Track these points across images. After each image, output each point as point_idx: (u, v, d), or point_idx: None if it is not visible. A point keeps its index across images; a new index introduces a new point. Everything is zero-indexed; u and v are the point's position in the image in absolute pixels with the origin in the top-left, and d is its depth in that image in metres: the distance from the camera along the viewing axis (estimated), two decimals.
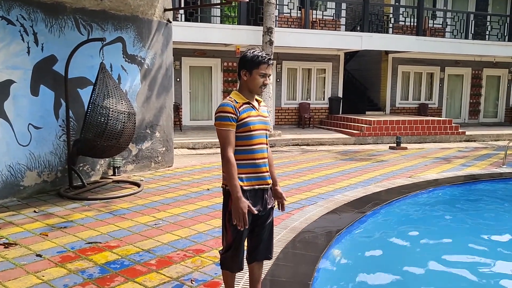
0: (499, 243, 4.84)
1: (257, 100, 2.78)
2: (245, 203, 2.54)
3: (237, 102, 2.64)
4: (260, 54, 2.67)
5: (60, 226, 4.54)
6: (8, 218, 4.82)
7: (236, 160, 2.62)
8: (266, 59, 2.66)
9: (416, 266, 4.07)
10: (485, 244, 4.72)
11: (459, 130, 13.96)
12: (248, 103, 2.69)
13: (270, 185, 2.78)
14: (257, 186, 2.68)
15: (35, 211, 5.08)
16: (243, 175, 2.63)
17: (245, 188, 2.63)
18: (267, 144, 2.78)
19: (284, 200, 2.90)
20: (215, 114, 2.64)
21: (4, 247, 3.93)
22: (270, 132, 2.93)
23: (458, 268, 4.02)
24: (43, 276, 3.36)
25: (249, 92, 2.71)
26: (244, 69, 2.69)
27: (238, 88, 2.77)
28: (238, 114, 2.61)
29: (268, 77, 2.71)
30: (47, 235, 4.26)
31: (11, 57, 5.44)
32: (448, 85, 17.70)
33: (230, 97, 2.69)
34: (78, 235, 4.28)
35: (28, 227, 4.50)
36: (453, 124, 14.04)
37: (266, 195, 2.75)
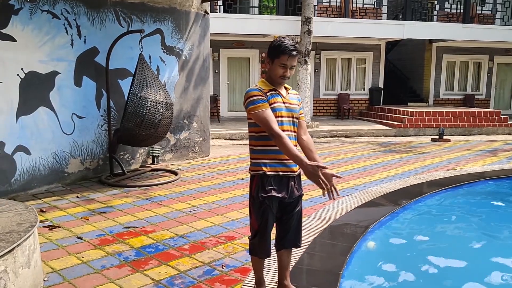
0: None
1: (285, 88, 2.77)
2: (314, 164, 2.39)
3: (263, 89, 2.65)
4: (285, 43, 2.58)
5: (100, 211, 4.74)
6: (53, 202, 5.08)
7: (261, 145, 2.64)
8: (288, 50, 2.56)
9: (452, 261, 3.94)
10: None
11: (508, 122, 13.30)
12: (274, 89, 2.68)
13: (296, 173, 2.74)
14: (281, 173, 2.66)
15: (77, 197, 5.32)
16: (267, 160, 2.63)
17: (268, 173, 2.63)
18: (295, 132, 2.76)
19: (337, 177, 2.51)
20: (245, 102, 2.64)
21: (49, 229, 4.15)
22: (306, 121, 2.85)
23: (496, 263, 3.86)
24: (83, 257, 3.53)
25: (273, 80, 2.69)
26: (268, 57, 2.68)
27: (266, 76, 2.77)
28: (267, 98, 2.60)
29: (291, 68, 2.62)
30: (87, 219, 4.46)
31: (56, 49, 5.68)
32: (498, 74, 16.87)
33: (256, 84, 2.70)
34: (117, 220, 4.45)
35: (70, 211, 4.73)
36: (501, 116, 13.38)
37: (292, 183, 2.72)
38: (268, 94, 2.63)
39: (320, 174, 2.41)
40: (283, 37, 2.69)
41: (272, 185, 2.64)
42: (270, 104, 2.61)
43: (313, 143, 2.84)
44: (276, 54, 2.62)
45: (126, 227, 4.24)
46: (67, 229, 4.17)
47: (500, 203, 5.82)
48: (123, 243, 3.85)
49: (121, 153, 6.70)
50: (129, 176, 6.30)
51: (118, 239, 3.94)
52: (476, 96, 16.52)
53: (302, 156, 2.49)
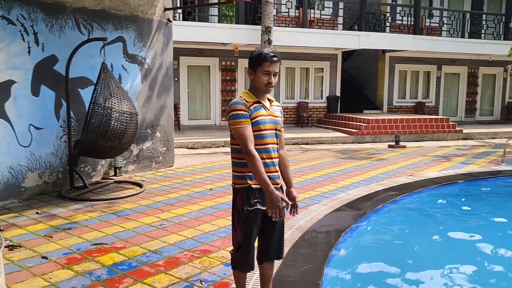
0: (502, 237, 4.86)
1: (269, 100, 2.76)
2: (279, 196, 2.50)
3: (247, 101, 2.62)
4: (264, 51, 2.62)
5: (64, 228, 4.50)
6: (11, 220, 4.77)
7: (245, 159, 2.61)
8: (268, 57, 2.59)
9: (423, 262, 4.08)
10: (489, 241, 4.74)
11: (457, 128, 14.02)
12: (258, 102, 2.67)
13: (280, 185, 2.76)
14: None
15: (37, 213, 5.03)
16: (252, 174, 2.60)
17: (253, 186, 2.61)
18: (278, 144, 2.76)
19: (296, 204, 2.80)
20: (228, 114, 2.62)
21: (9, 249, 3.88)
22: (282, 133, 2.84)
23: (463, 264, 4.03)
24: (51, 278, 3.32)
25: (258, 91, 2.68)
26: (250, 68, 2.68)
27: (249, 87, 2.75)
28: (250, 113, 2.58)
29: (274, 75, 2.64)
30: (51, 237, 4.22)
31: (11, 57, 5.38)
32: (445, 83, 17.76)
33: (240, 96, 2.67)
34: (83, 237, 4.24)
35: (31, 229, 4.46)
36: (450, 122, 14.09)
37: None
38: (251, 107, 2.61)
39: (280, 206, 2.50)
40: (262, 48, 2.71)
41: (257, 198, 2.62)
42: (254, 118, 2.59)
43: (288, 158, 2.88)
44: (257, 62, 2.62)
45: (95, 244, 4.05)
46: (30, 249, 3.92)
47: (459, 206, 6.10)
48: (93, 261, 3.66)
49: (82, 165, 6.41)
50: (91, 189, 6.05)
51: (87, 257, 3.75)
52: (426, 104, 17.29)
53: (270, 183, 2.51)
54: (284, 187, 2.84)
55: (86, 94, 6.26)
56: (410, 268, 3.97)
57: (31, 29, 5.61)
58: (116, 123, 5.66)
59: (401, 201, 5.87)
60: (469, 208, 6.02)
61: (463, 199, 6.48)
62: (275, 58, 2.61)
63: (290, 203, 2.63)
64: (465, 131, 14.20)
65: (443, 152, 10.66)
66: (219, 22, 13.78)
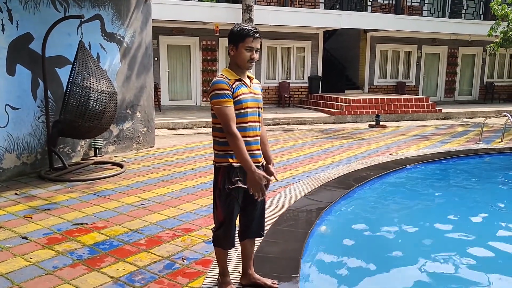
0: (477, 215, 5.02)
1: (249, 77, 2.75)
2: (260, 174, 2.54)
3: (229, 79, 2.61)
4: (246, 27, 2.61)
5: (44, 208, 4.46)
6: None
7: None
8: (252, 32, 2.59)
9: (400, 240, 4.19)
10: (464, 217, 4.89)
11: (436, 108, 14.24)
12: (240, 79, 2.66)
13: (261, 163, 2.78)
14: None
15: (16, 194, 4.97)
16: (234, 153, 2.61)
17: (234, 165, 2.62)
18: (259, 122, 2.77)
19: (274, 179, 2.86)
20: (210, 93, 2.59)
21: None
22: (262, 110, 2.85)
23: (441, 240, 4.16)
24: (31, 258, 3.31)
25: (239, 68, 2.67)
26: (231, 44, 2.65)
27: (228, 65, 2.73)
28: (233, 91, 2.58)
29: (256, 51, 2.64)
30: (31, 218, 4.18)
31: None
32: (425, 63, 17.93)
33: (221, 74, 2.65)
34: (64, 217, 4.22)
35: (10, 210, 4.41)
36: (430, 102, 14.29)
37: None
38: (233, 85, 2.59)
39: (263, 184, 2.54)
40: (241, 23, 2.70)
41: (238, 176, 2.63)
42: (236, 97, 2.58)
43: (266, 136, 2.91)
44: (240, 38, 2.60)
45: (75, 224, 4.03)
46: (9, 229, 3.89)
47: (436, 183, 6.25)
48: (74, 241, 3.66)
49: (61, 146, 6.32)
50: (70, 170, 5.98)
51: (68, 237, 3.74)
52: (406, 84, 17.47)
53: (252, 162, 2.54)
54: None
55: (63, 74, 6.13)
56: (389, 245, 4.08)
57: (4, 6, 5.42)
58: (94, 103, 5.57)
59: (381, 180, 5.98)
60: (447, 185, 6.18)
61: (441, 177, 6.63)
62: (258, 34, 2.61)
63: (271, 179, 2.66)
64: (444, 110, 14.43)
65: (422, 131, 10.84)
66: (199, 0, 13.54)
